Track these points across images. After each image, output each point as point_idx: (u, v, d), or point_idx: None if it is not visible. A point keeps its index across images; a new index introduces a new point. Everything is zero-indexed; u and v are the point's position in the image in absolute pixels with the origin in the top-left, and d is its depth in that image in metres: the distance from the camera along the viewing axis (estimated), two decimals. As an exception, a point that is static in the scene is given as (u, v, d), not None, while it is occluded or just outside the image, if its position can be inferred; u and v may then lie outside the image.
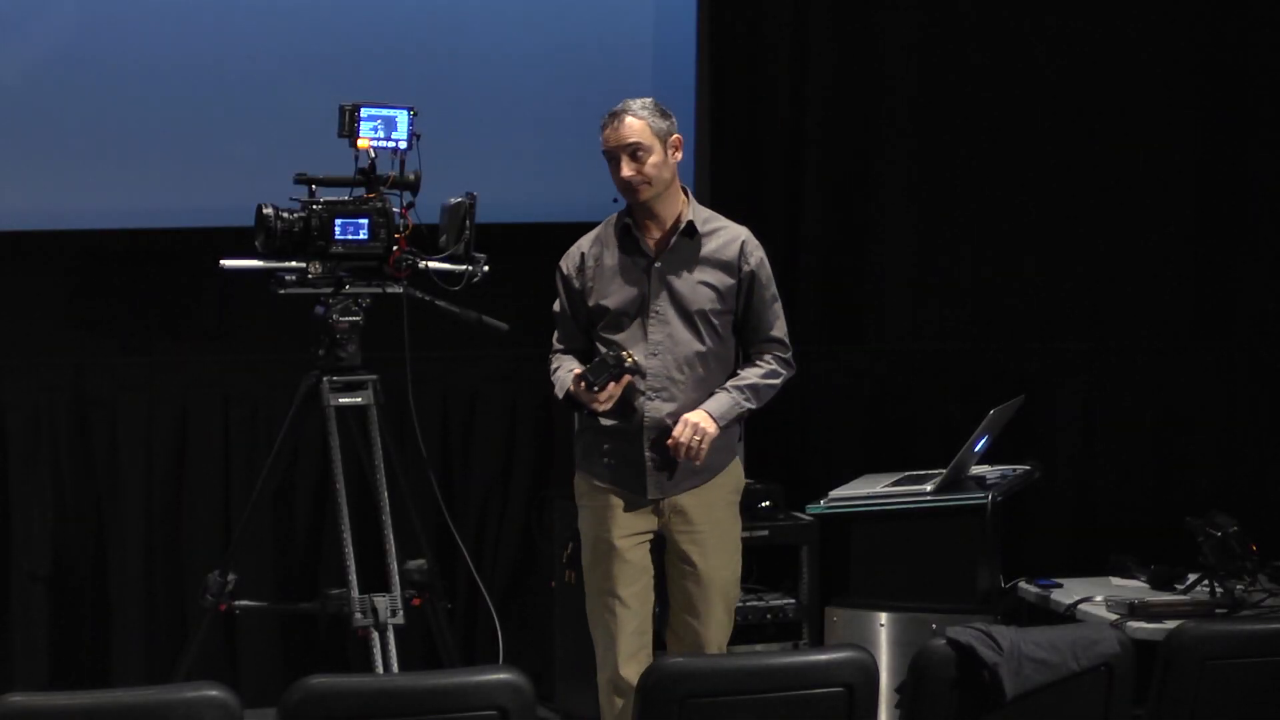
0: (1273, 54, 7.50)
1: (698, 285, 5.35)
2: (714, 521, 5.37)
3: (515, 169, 6.93)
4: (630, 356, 5.28)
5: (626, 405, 5.32)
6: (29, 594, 6.73)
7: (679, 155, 5.37)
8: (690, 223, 5.36)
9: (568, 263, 5.49)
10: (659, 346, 5.34)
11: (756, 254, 5.39)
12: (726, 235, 5.40)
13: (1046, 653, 4.28)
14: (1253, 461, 7.52)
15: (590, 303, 5.43)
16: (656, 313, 5.35)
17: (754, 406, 5.39)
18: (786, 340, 5.45)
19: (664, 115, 5.35)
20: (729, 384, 5.36)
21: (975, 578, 6.30)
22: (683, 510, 5.35)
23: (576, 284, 5.46)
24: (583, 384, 5.25)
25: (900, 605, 6.34)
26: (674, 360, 5.33)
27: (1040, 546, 7.27)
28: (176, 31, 6.71)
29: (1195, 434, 7.51)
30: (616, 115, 5.33)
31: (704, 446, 5.27)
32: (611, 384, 5.26)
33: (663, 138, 5.32)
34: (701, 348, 5.34)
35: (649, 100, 5.36)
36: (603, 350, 5.32)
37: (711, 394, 5.34)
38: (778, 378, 5.41)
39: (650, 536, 5.39)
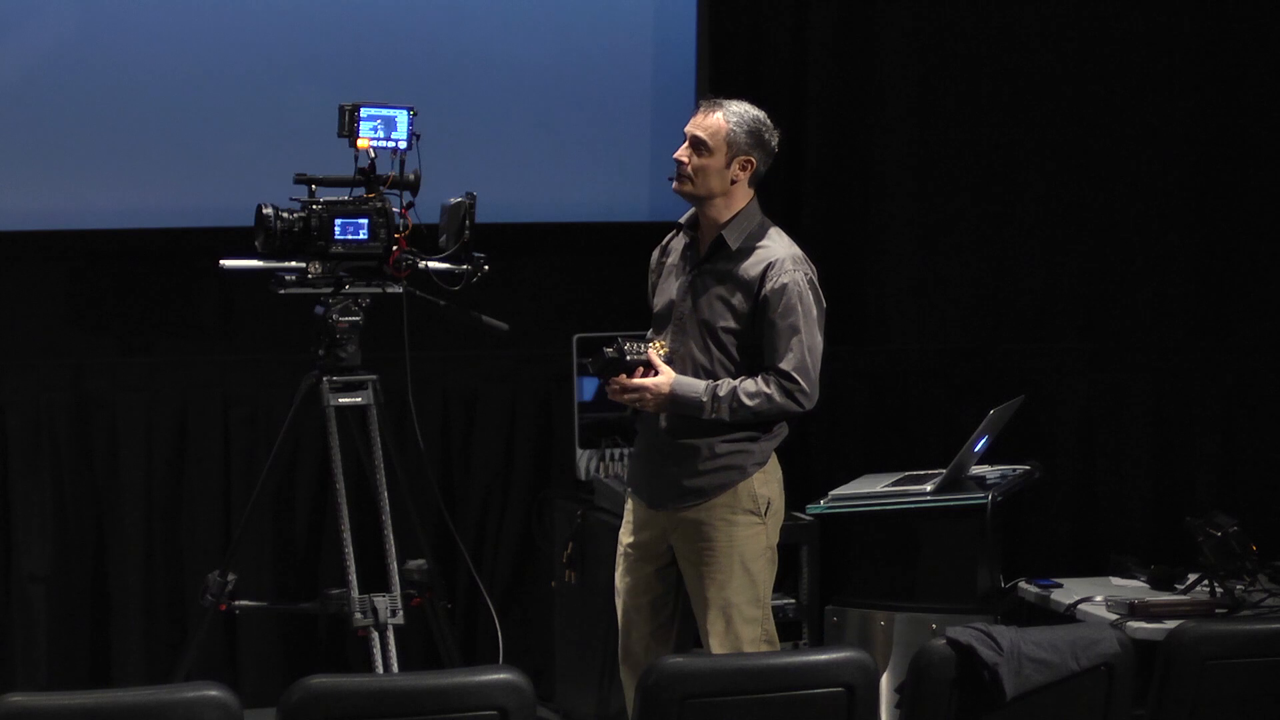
0: (1273, 54, 7.50)
1: (716, 300, 5.25)
2: (709, 541, 5.25)
3: (515, 169, 6.93)
4: (635, 346, 5.20)
5: None
6: (29, 594, 6.73)
7: (742, 175, 5.22)
8: (721, 236, 5.25)
9: (652, 257, 5.47)
10: (674, 354, 5.28)
11: (781, 280, 5.19)
12: (760, 255, 5.24)
13: (1046, 653, 4.28)
14: (1253, 461, 7.52)
15: (651, 299, 5.43)
16: (679, 320, 5.31)
17: (720, 413, 5.16)
18: (796, 376, 5.18)
19: (752, 134, 5.22)
20: (718, 381, 5.20)
21: (975, 578, 6.30)
22: (681, 528, 5.28)
23: (653, 278, 5.45)
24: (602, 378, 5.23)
25: (900, 605, 6.34)
26: (678, 371, 5.25)
27: (1040, 546, 7.28)
28: (176, 31, 6.71)
29: (1195, 434, 7.51)
30: (711, 102, 5.28)
31: (633, 399, 5.20)
32: (623, 376, 5.21)
33: (734, 150, 5.21)
34: (707, 363, 5.25)
35: (752, 114, 5.25)
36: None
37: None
38: (767, 403, 5.18)
39: (659, 547, 5.33)
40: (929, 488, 6.37)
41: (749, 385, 5.18)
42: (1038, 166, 7.49)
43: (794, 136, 7.33)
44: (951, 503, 6.32)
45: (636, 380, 5.21)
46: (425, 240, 5.79)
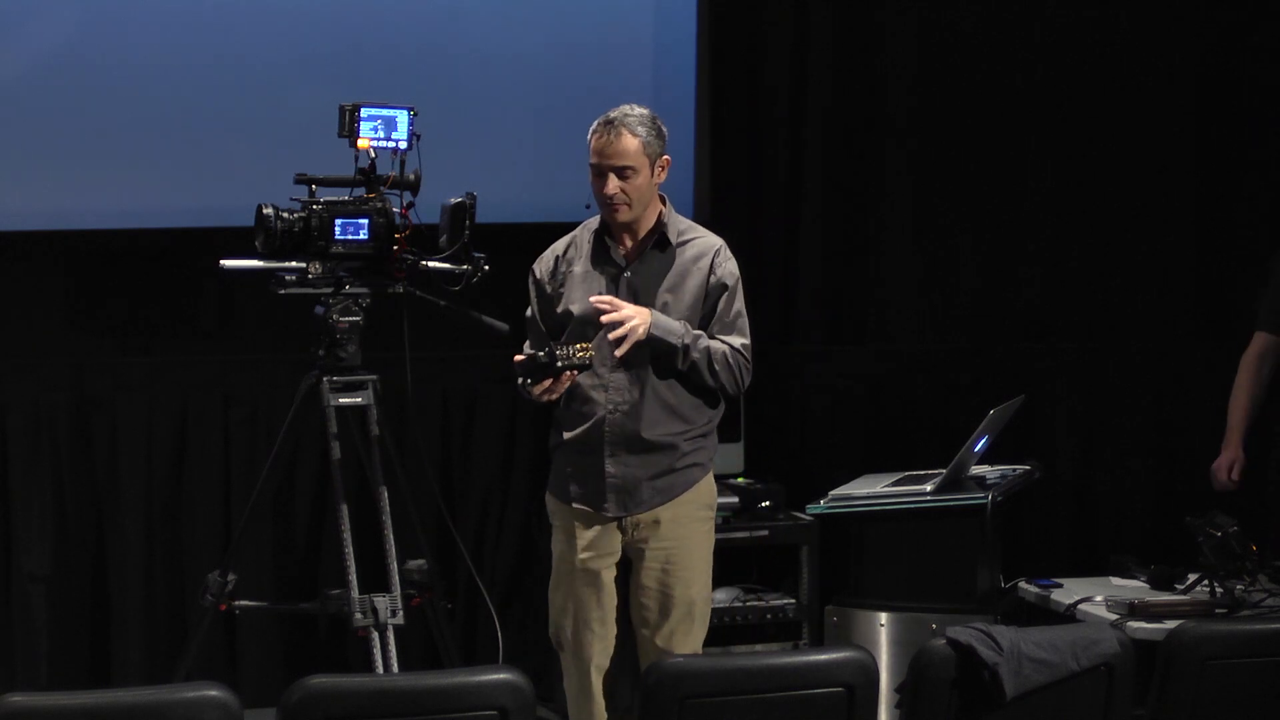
0: (1272, 54, 7.50)
1: (666, 294, 5.27)
2: (680, 539, 5.29)
3: (515, 169, 6.93)
4: (567, 351, 5.14)
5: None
6: (29, 594, 6.73)
7: (664, 176, 5.29)
8: (663, 234, 5.30)
9: (540, 267, 5.43)
10: (622, 357, 5.26)
11: (726, 265, 5.29)
12: (699, 246, 5.32)
13: (1046, 653, 4.29)
14: (1252, 462, 7.50)
15: (558, 309, 5.36)
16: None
17: (694, 354, 5.19)
18: (748, 356, 5.29)
19: (660, 135, 5.26)
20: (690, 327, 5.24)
21: (975, 578, 6.30)
22: (649, 528, 5.30)
23: (548, 289, 5.40)
24: (525, 381, 5.20)
25: (900, 605, 6.34)
26: (635, 372, 5.26)
27: (1040, 546, 7.28)
28: (176, 31, 6.71)
29: (1195, 434, 7.50)
30: (613, 128, 5.21)
31: (622, 330, 5.14)
32: (549, 380, 5.18)
33: (653, 159, 5.24)
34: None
35: (648, 115, 5.27)
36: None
37: (672, 408, 5.27)
38: (727, 368, 5.23)
39: (616, 558, 5.35)
40: (929, 488, 6.38)
41: (716, 345, 5.25)
42: (1037, 167, 7.49)
43: (795, 136, 7.33)
44: (951, 503, 6.33)
45: (619, 315, 5.13)
46: (425, 240, 5.79)
